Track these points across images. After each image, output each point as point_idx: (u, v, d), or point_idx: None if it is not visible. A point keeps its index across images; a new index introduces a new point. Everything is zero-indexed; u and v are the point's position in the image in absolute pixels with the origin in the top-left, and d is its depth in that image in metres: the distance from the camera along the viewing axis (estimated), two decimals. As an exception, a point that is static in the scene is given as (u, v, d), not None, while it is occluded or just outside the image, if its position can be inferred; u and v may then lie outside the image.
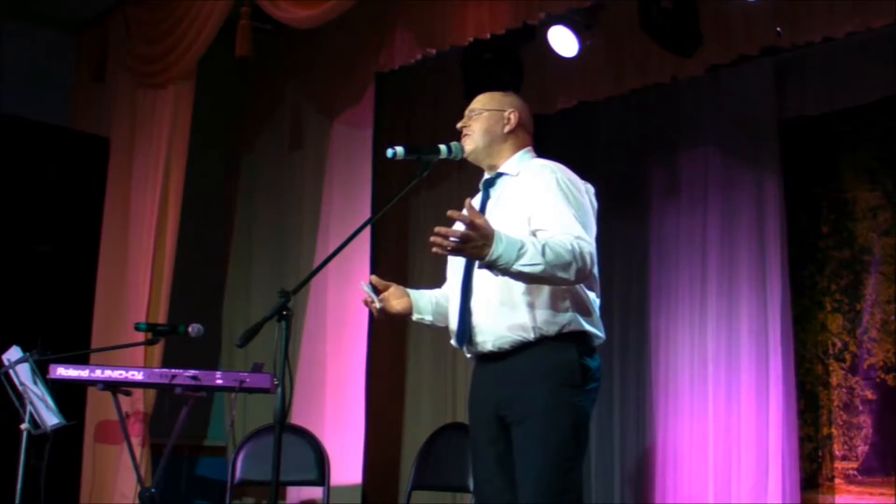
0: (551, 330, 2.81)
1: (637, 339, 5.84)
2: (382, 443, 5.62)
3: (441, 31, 4.81)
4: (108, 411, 4.67)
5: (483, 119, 3.02)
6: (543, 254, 2.63)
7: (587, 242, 2.75)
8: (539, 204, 2.82)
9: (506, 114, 3.02)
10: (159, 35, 5.26)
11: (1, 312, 4.97)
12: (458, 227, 2.61)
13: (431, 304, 3.09)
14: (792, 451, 5.08)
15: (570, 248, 2.68)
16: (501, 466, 2.84)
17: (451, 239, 2.58)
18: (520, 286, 2.80)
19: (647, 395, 5.72)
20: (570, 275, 2.68)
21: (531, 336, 2.81)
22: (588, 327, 2.88)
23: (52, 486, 4.10)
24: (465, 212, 2.63)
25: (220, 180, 6.06)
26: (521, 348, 2.83)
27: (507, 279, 2.77)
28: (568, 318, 2.83)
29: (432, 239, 2.61)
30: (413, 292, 3.09)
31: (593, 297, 2.93)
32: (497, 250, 2.60)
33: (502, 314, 2.83)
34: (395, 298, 3.04)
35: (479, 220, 2.60)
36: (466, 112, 3.07)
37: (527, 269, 2.63)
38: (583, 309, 2.87)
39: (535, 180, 2.88)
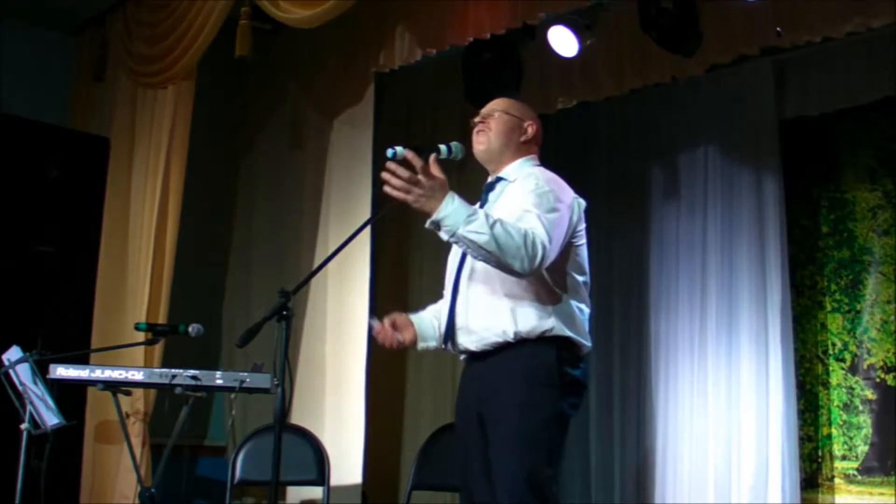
0: (532, 333, 2.82)
1: (637, 339, 5.84)
2: (382, 443, 5.62)
3: (441, 31, 4.81)
4: (108, 411, 4.66)
5: (504, 122, 3.04)
6: (493, 227, 2.62)
7: (540, 236, 2.70)
8: (513, 206, 2.83)
9: (525, 124, 3.06)
10: (159, 35, 5.25)
11: (1, 312, 4.97)
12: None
13: (433, 328, 3.10)
14: (792, 451, 5.07)
15: (522, 232, 2.67)
16: (483, 464, 2.84)
17: (400, 179, 2.56)
18: (504, 289, 2.82)
19: (647, 395, 5.72)
20: (518, 258, 2.65)
21: (511, 338, 2.83)
22: (570, 334, 2.86)
23: (52, 486, 4.10)
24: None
25: (220, 180, 6.05)
26: (501, 349, 2.84)
27: (491, 282, 2.81)
28: (550, 325, 2.83)
29: (383, 174, 2.60)
30: (416, 318, 3.10)
31: (582, 307, 2.92)
32: (446, 209, 2.59)
33: (484, 317, 2.86)
34: (404, 329, 3.07)
35: (435, 172, 2.59)
36: (484, 111, 3.08)
37: (472, 236, 2.61)
38: (565, 317, 2.86)
39: (520, 186, 2.91)
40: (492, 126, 3.04)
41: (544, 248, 2.69)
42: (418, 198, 2.59)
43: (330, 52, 5.39)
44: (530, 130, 3.06)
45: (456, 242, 2.67)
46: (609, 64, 5.11)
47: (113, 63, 5.66)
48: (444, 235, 2.65)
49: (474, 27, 4.69)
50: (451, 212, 2.59)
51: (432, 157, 2.63)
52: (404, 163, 2.63)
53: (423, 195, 2.59)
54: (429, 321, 3.11)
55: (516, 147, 3.04)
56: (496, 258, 2.66)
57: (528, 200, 2.81)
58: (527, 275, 2.74)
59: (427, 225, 2.66)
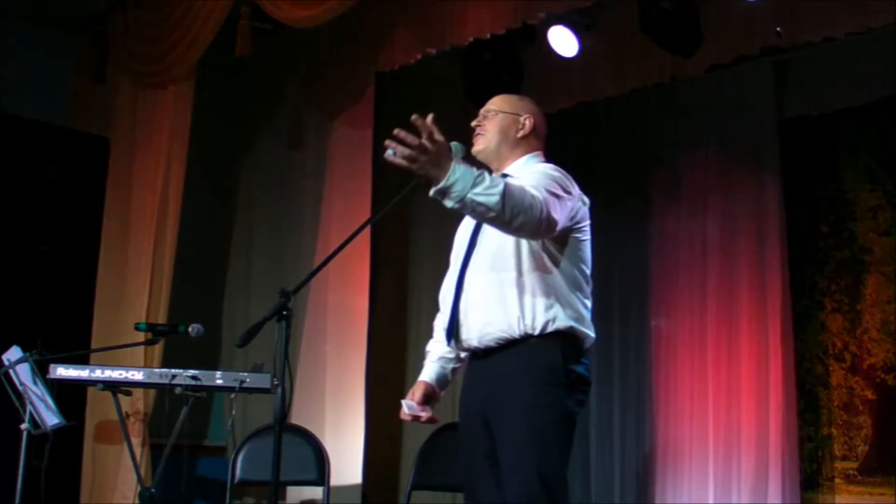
0: (536, 327, 2.79)
1: (637, 339, 5.84)
2: (382, 443, 5.62)
3: (441, 31, 4.81)
4: (108, 411, 4.66)
5: (498, 120, 3.02)
6: (500, 186, 2.55)
7: (539, 198, 2.65)
8: None
9: (521, 119, 3.03)
10: (159, 35, 5.26)
11: (1, 312, 4.97)
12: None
13: (446, 379, 3.11)
14: (792, 451, 5.08)
15: (531, 193, 2.63)
16: (488, 464, 2.83)
17: (406, 145, 2.48)
18: (508, 284, 2.80)
19: (647, 395, 5.72)
20: (528, 217, 2.60)
21: (516, 333, 2.80)
22: (576, 325, 2.84)
23: (52, 486, 4.10)
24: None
25: (220, 180, 6.06)
26: (506, 346, 2.82)
27: (495, 277, 2.80)
28: (553, 317, 2.80)
29: (387, 142, 2.51)
30: (433, 381, 3.07)
31: (583, 300, 2.90)
32: (454, 174, 2.50)
33: (488, 311, 2.84)
34: (433, 399, 3.05)
35: (438, 137, 2.51)
36: (482, 111, 3.06)
37: (481, 199, 2.52)
38: (570, 309, 2.84)
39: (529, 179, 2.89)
40: (487, 127, 3.02)
41: (543, 205, 2.65)
42: (423, 164, 2.48)
43: (330, 52, 5.39)
44: (528, 124, 3.02)
45: (463, 209, 2.58)
46: (609, 64, 5.11)
47: (113, 63, 5.66)
48: (449, 203, 2.54)
49: (474, 27, 4.69)
50: (459, 176, 2.50)
51: (430, 118, 2.52)
52: (410, 128, 2.56)
53: (428, 162, 2.48)
54: (443, 378, 3.10)
55: (514, 143, 3.02)
56: (505, 219, 2.59)
57: (533, 180, 2.79)
58: (536, 233, 2.71)
59: (432, 193, 2.55)
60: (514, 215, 2.59)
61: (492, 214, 2.58)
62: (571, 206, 2.85)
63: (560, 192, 2.79)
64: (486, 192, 2.53)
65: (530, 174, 2.89)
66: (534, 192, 2.67)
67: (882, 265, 5.22)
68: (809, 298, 5.46)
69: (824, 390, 5.34)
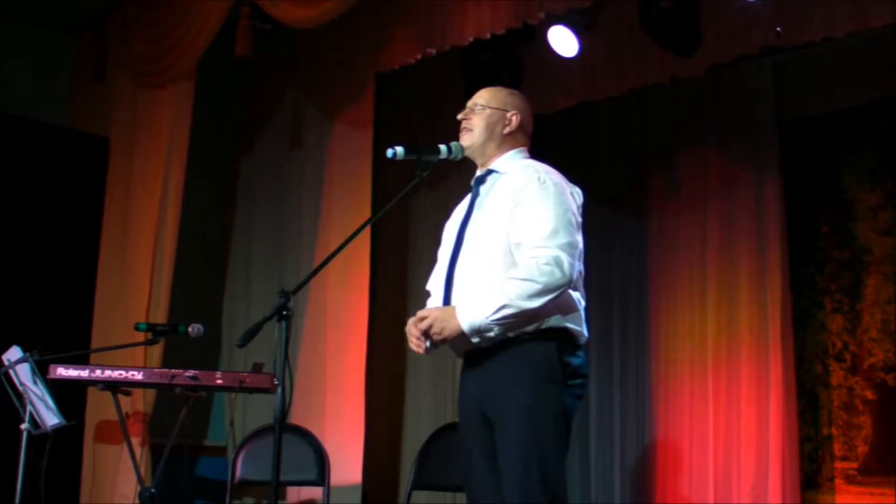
0: (530, 326, 2.79)
1: (637, 338, 5.84)
2: (382, 443, 5.62)
3: (441, 31, 4.81)
4: (108, 411, 4.66)
5: (485, 116, 3.00)
6: (505, 286, 2.72)
7: (562, 250, 2.74)
8: (518, 215, 2.82)
9: (508, 115, 3.01)
10: (159, 35, 5.26)
11: (1, 312, 4.97)
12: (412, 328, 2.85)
13: None
14: (792, 451, 5.08)
15: (536, 270, 2.72)
16: (489, 463, 2.83)
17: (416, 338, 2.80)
18: (498, 281, 2.79)
19: (647, 395, 5.72)
20: (548, 295, 2.72)
21: (509, 332, 2.80)
22: (569, 324, 2.84)
23: (52, 486, 4.10)
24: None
25: (220, 180, 6.05)
26: (500, 344, 2.81)
27: (487, 274, 2.80)
28: (548, 315, 2.80)
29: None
30: None
31: (577, 297, 2.88)
32: (463, 314, 2.74)
33: None
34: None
35: (422, 314, 2.81)
36: (469, 104, 3.04)
37: (504, 312, 2.70)
38: (564, 307, 2.83)
39: (516, 181, 2.88)
40: (474, 122, 3.00)
41: (568, 263, 2.74)
42: (440, 333, 2.78)
43: (330, 53, 5.38)
44: (515, 120, 3.01)
45: (492, 333, 2.76)
46: (609, 64, 5.12)
47: (113, 63, 5.66)
48: (491, 334, 2.76)
49: (474, 27, 4.69)
50: (467, 309, 2.73)
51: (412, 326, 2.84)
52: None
53: (439, 331, 2.77)
54: None
55: (500, 140, 3.01)
56: (535, 307, 2.72)
57: (534, 202, 2.80)
58: (566, 288, 2.79)
59: (475, 341, 2.79)
60: (539, 293, 2.72)
61: (524, 312, 2.73)
62: (578, 221, 2.87)
63: (564, 206, 2.82)
64: (499, 303, 2.71)
65: (519, 178, 2.88)
66: (539, 264, 2.73)
67: (882, 265, 5.23)
68: (809, 298, 5.46)
69: (824, 390, 5.35)
